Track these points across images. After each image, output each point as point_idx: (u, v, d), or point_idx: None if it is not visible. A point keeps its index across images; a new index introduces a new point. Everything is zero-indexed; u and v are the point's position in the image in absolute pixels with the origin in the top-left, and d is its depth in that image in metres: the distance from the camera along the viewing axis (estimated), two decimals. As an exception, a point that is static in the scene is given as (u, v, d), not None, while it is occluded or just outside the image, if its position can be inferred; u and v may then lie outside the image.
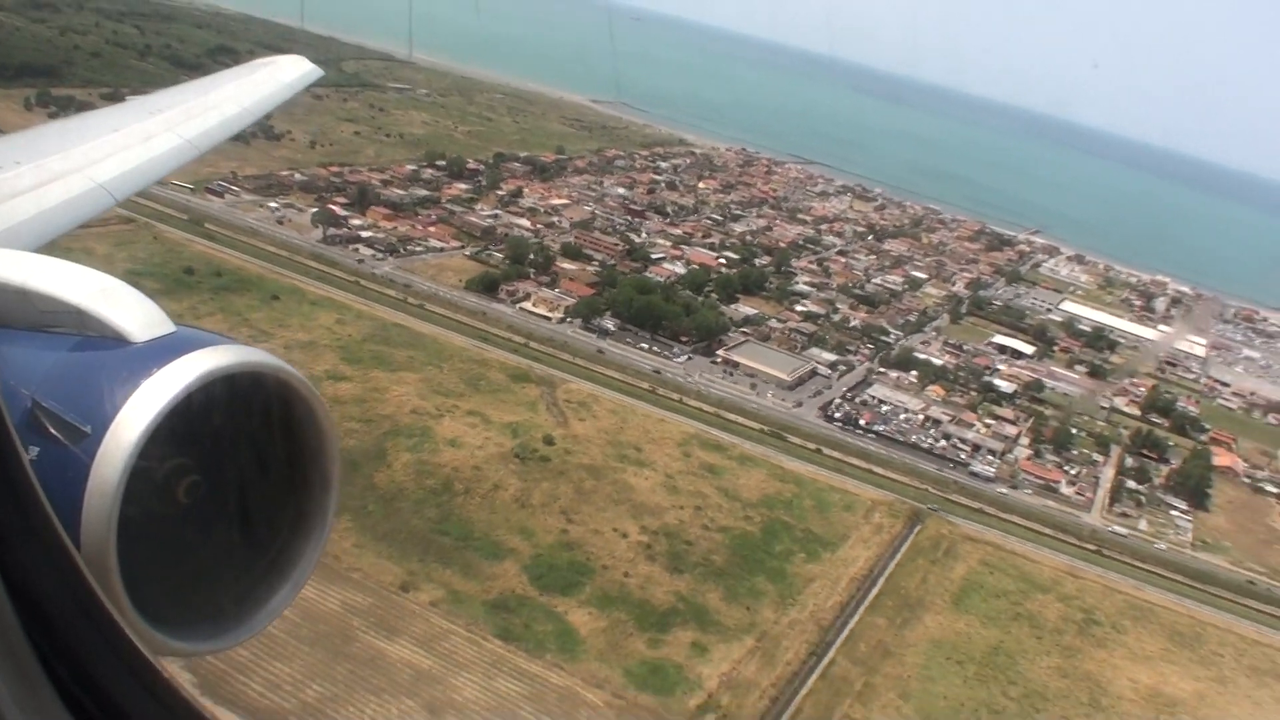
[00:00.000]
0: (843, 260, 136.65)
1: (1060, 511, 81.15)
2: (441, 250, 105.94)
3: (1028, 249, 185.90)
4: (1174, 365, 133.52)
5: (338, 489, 4.17)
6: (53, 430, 3.50)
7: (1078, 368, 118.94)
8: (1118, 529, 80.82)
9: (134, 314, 3.89)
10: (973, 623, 62.15)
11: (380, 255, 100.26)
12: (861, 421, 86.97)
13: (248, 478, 4.06)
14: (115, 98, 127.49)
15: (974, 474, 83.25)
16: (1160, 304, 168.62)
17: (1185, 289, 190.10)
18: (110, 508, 3.39)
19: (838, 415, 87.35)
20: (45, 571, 2.58)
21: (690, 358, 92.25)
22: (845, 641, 57.72)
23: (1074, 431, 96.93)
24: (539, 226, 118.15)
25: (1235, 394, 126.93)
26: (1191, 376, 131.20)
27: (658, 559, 60.16)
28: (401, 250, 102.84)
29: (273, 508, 4.16)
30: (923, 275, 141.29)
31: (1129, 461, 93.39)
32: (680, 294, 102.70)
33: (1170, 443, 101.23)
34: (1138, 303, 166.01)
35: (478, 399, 75.48)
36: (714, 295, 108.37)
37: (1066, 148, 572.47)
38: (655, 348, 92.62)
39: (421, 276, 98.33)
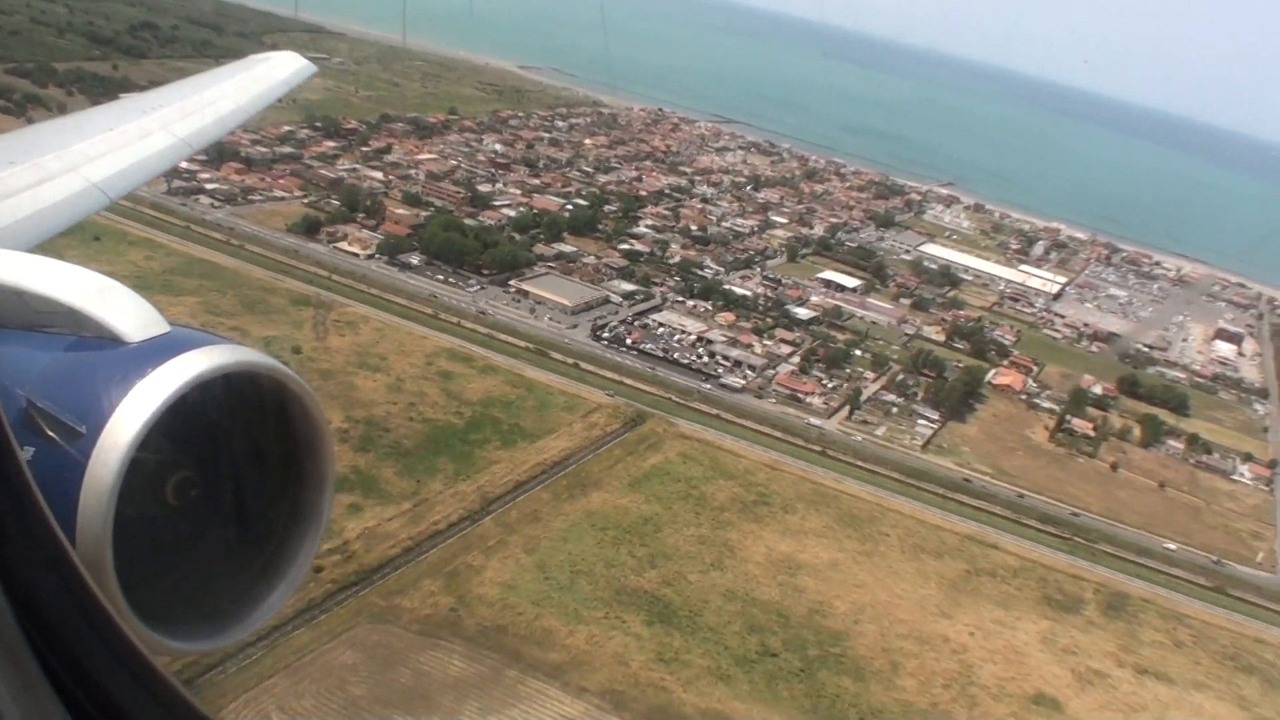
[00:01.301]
0: (700, 207, 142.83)
1: (797, 418, 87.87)
2: (282, 199, 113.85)
3: (919, 198, 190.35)
4: (1016, 300, 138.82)
5: (332, 486, 4.25)
6: (48, 430, 3.48)
7: (902, 301, 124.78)
8: (852, 434, 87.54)
9: (128, 314, 3.90)
10: (638, 500, 69.45)
11: (218, 204, 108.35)
12: (629, 340, 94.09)
13: (243, 476, 4.09)
14: (19, 73, 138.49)
15: (723, 385, 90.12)
16: (1040, 248, 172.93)
17: (1080, 235, 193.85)
18: (106, 508, 3.37)
19: (606, 335, 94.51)
20: (42, 572, 2.56)
21: (483, 288, 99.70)
22: (501, 510, 65.35)
23: (857, 353, 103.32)
24: (391, 178, 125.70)
25: (1067, 325, 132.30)
26: (1031, 310, 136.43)
27: (349, 441, 67.87)
28: (241, 200, 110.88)
29: (268, 506, 4.20)
30: (782, 220, 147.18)
31: (902, 379, 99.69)
32: (492, 233, 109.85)
33: (959, 364, 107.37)
34: (1015, 246, 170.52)
35: (247, 318, 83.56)
36: (540, 235, 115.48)
37: (1036, 109, 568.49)
38: (453, 279, 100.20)
39: (251, 222, 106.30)
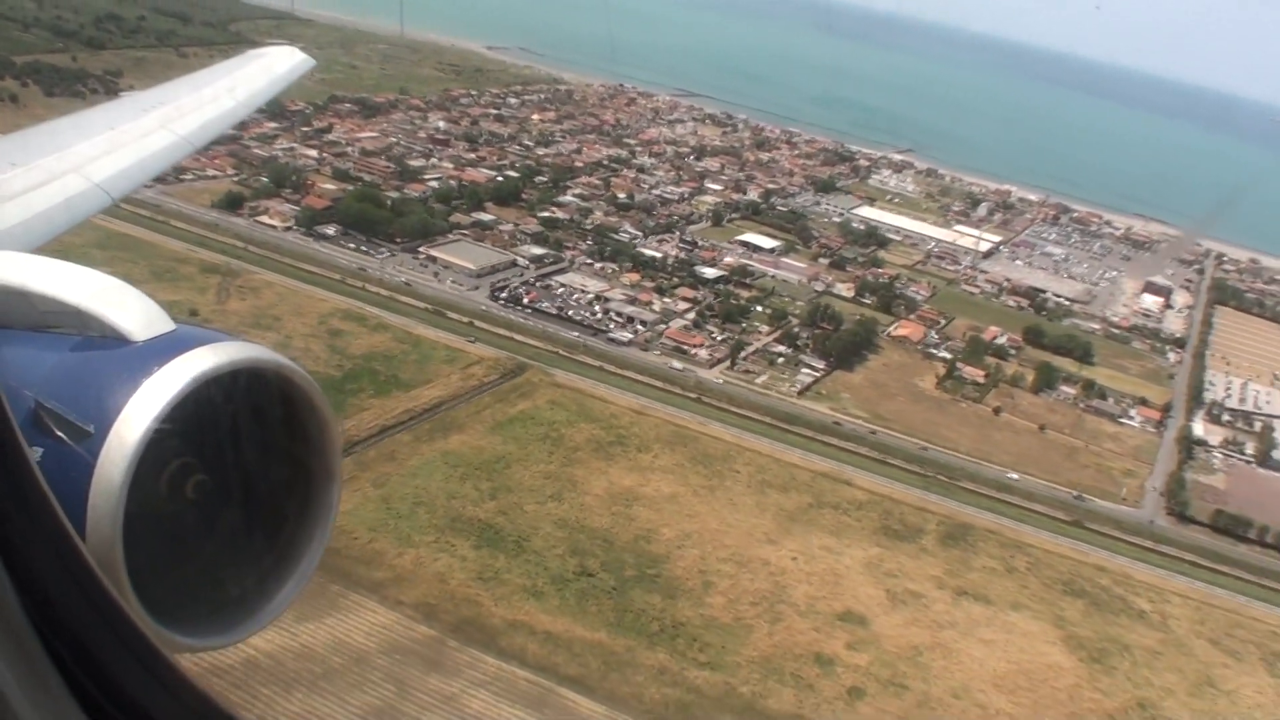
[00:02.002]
0: (633, 176, 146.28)
1: (680, 369, 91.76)
2: (214, 178, 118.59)
3: (868, 164, 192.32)
4: (943, 258, 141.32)
5: (340, 481, 4.28)
6: (56, 430, 3.50)
7: (820, 260, 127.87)
8: (731, 382, 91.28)
9: (134, 313, 3.92)
10: (495, 441, 73.69)
11: (149, 183, 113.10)
12: (525, 300, 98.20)
13: (251, 473, 4.11)
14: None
15: (611, 339, 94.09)
16: (984, 209, 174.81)
17: (1033, 197, 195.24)
18: (115, 507, 3.39)
19: (504, 296, 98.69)
20: (55, 571, 2.57)
21: (393, 255, 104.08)
22: (361, 451, 69.78)
23: (758, 309, 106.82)
24: (326, 156, 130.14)
25: (989, 281, 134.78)
26: (955, 268, 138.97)
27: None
28: (173, 178, 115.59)
29: (276, 502, 4.21)
30: (717, 187, 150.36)
31: (796, 332, 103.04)
32: (410, 204, 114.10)
33: (861, 318, 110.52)
34: (957, 208, 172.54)
35: (154, 285, 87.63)
36: (461, 205, 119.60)
37: (1029, 79, 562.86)
38: (365, 248, 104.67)
39: (179, 199, 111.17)
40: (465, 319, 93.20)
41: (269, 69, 12.31)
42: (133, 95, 10.52)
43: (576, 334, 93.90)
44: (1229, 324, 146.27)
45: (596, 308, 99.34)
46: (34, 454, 3.08)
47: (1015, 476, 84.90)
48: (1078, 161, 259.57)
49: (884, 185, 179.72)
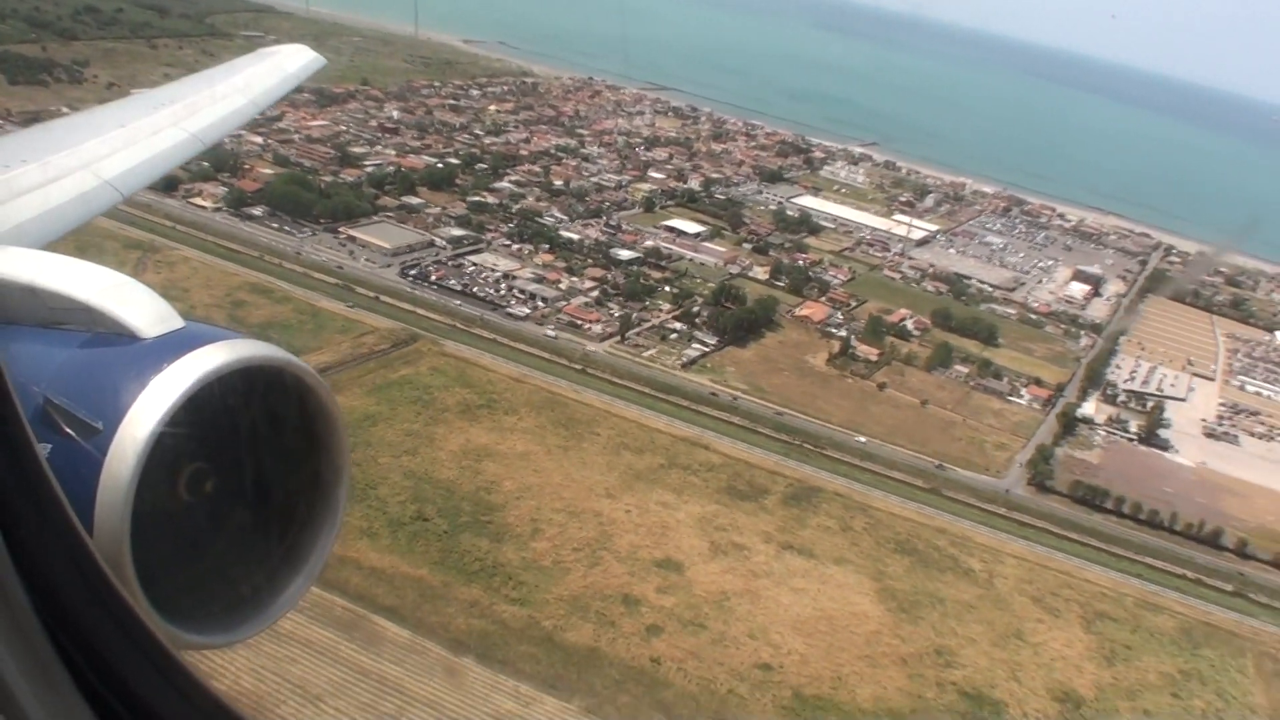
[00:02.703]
0: (575, 164, 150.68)
1: (571, 342, 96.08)
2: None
3: (823, 156, 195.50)
4: (873, 245, 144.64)
5: (349, 480, 4.30)
6: (65, 427, 3.51)
7: (744, 245, 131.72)
8: (619, 355, 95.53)
9: (143, 310, 3.94)
10: (369, 402, 78.27)
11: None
12: (433, 277, 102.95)
13: (259, 471, 4.12)
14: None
15: (509, 314, 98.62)
16: (930, 200, 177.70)
17: (988, 189, 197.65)
18: (123, 504, 3.40)
19: (413, 273, 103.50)
20: (63, 569, 2.57)
21: (315, 234, 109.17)
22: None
23: (666, 289, 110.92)
24: (270, 142, 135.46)
25: (914, 267, 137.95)
26: (883, 255, 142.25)
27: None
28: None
29: (284, 500, 4.22)
30: (660, 175, 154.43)
31: (697, 309, 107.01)
32: (341, 188, 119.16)
33: (767, 297, 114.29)
34: (904, 198, 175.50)
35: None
36: (393, 190, 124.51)
37: (1020, 75, 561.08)
38: (288, 228, 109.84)
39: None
40: (372, 293, 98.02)
41: (280, 67, 12.33)
42: (144, 93, 10.57)
43: (477, 308, 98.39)
44: (1157, 312, 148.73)
45: (502, 285, 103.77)
46: (43, 450, 3.05)
47: (863, 441, 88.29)
48: (1055, 157, 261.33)
49: (834, 177, 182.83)
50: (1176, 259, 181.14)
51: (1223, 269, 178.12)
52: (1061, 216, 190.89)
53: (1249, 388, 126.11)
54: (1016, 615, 69.10)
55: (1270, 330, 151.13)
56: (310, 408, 4.17)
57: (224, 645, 4.08)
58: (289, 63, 12.58)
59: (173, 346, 3.79)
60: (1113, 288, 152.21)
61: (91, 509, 3.42)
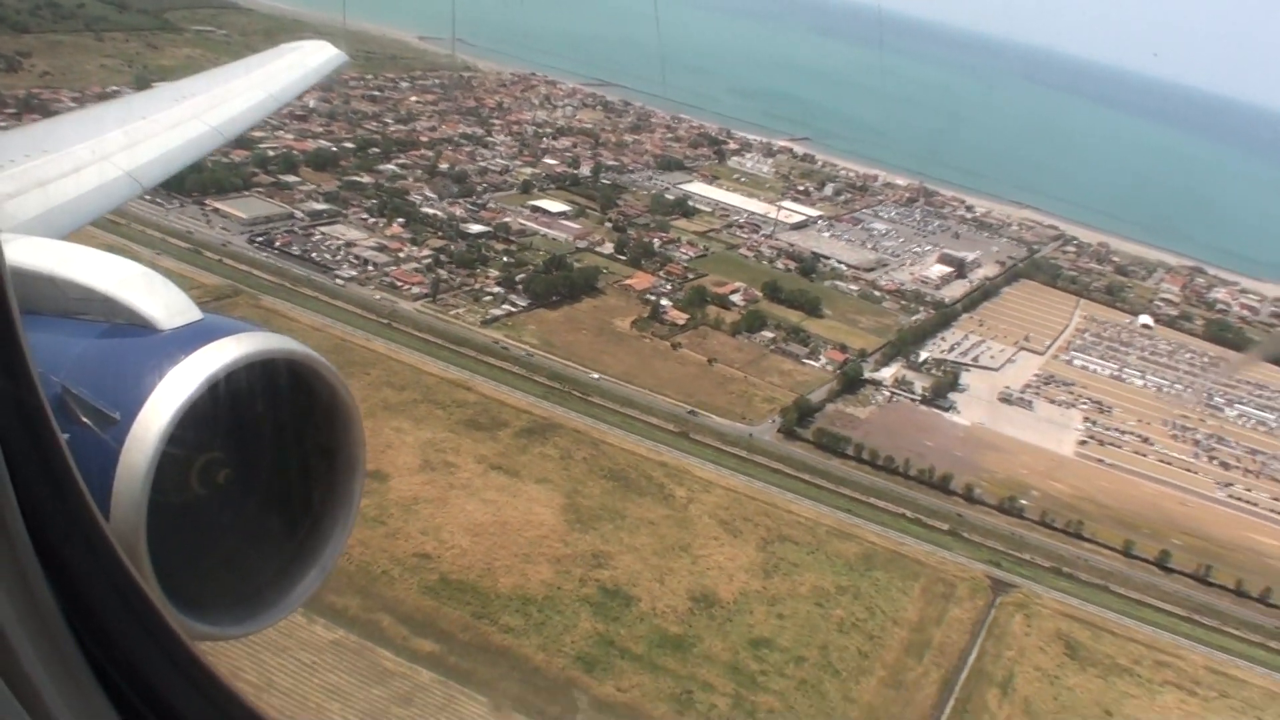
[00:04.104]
0: (469, 149, 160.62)
1: (385, 299, 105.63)
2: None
3: (737, 148, 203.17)
4: (743, 227, 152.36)
5: (364, 472, 4.34)
6: (82, 417, 3.54)
7: (607, 224, 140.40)
8: (426, 312, 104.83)
9: (161, 301, 3.99)
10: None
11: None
12: (277, 244, 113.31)
13: (275, 463, 4.19)
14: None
15: (336, 276, 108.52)
16: (830, 189, 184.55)
17: (900, 181, 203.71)
18: (140, 494, 3.45)
19: (259, 240, 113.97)
20: (83, 559, 2.60)
21: (182, 205, 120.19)
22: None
23: (504, 259, 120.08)
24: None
25: (773, 248, 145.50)
26: (751, 237, 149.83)
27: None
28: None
29: (300, 492, 4.28)
30: (553, 162, 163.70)
31: (522, 276, 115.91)
32: (220, 166, 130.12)
33: (606, 270, 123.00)
34: (801, 187, 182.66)
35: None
36: (273, 169, 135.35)
37: (1006, 76, 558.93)
38: (159, 199, 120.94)
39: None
40: (216, 257, 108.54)
41: (301, 63, 12.54)
42: (166, 86, 10.80)
43: (310, 271, 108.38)
44: (1019, 294, 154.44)
45: (340, 252, 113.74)
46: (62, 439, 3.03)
47: (596, 378, 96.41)
48: (997, 155, 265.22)
49: (740, 167, 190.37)
50: (1072, 249, 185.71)
51: (1115, 257, 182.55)
52: (969, 208, 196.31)
53: (1076, 362, 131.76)
54: (695, 534, 76.87)
55: (1135, 315, 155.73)
56: (326, 401, 4.24)
57: (238, 637, 4.11)
58: (310, 59, 12.88)
59: (190, 338, 3.85)
60: (983, 271, 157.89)
61: (108, 499, 3.44)
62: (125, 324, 4.00)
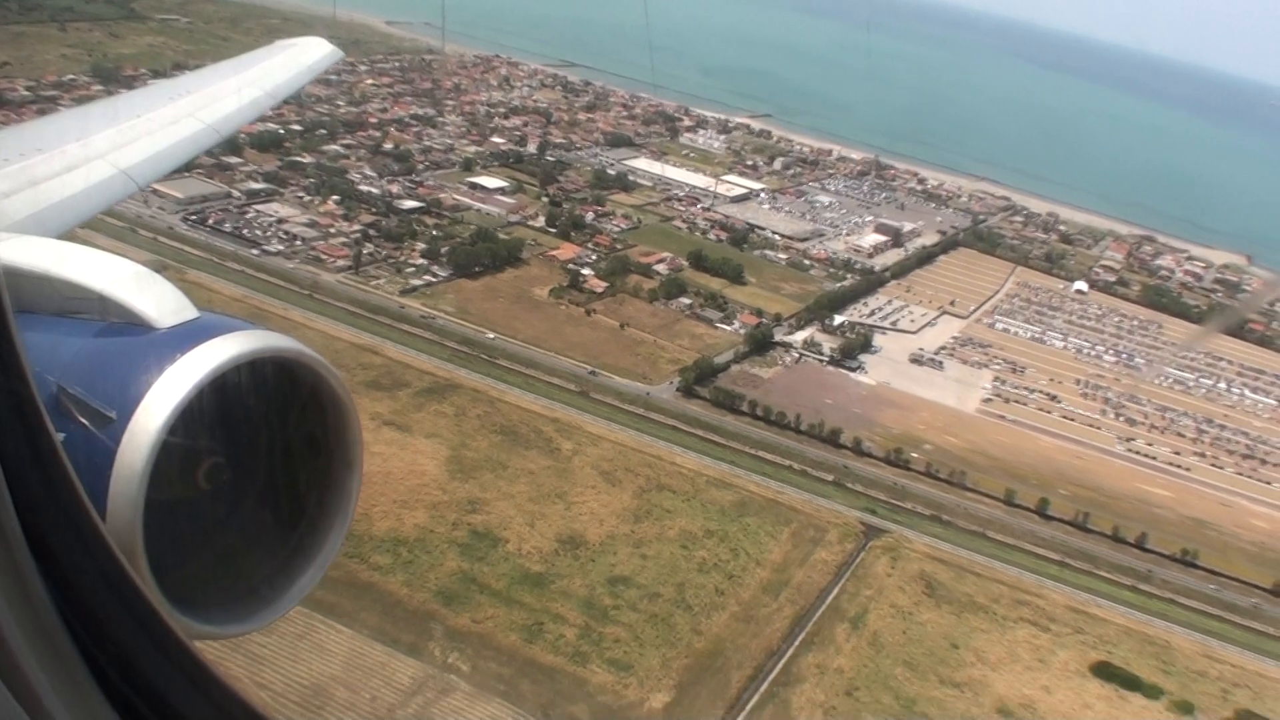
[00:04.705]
0: (415, 129, 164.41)
1: (309, 272, 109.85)
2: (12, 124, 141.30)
3: (691, 125, 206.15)
4: (682, 200, 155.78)
5: (361, 471, 4.34)
6: (79, 416, 3.54)
7: (544, 199, 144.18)
8: (347, 282, 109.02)
9: (157, 300, 4.02)
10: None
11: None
12: (210, 221, 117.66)
13: (272, 461, 4.18)
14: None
15: (264, 251, 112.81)
16: (779, 164, 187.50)
17: (855, 156, 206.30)
18: (136, 493, 3.45)
19: (193, 218, 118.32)
20: (79, 558, 2.60)
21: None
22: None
23: (434, 233, 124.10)
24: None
25: (708, 219, 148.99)
26: (689, 209, 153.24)
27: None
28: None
29: (297, 491, 4.30)
30: (500, 140, 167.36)
31: (450, 249, 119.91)
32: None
33: (534, 241, 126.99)
34: (750, 162, 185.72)
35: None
36: (217, 150, 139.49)
37: (998, 56, 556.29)
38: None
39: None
40: (151, 234, 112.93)
41: (297, 60, 12.62)
42: (161, 83, 10.92)
43: (239, 246, 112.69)
44: (956, 262, 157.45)
45: (272, 229, 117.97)
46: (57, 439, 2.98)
47: (491, 337, 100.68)
48: (964, 128, 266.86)
49: (692, 143, 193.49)
50: (1020, 219, 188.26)
51: (1062, 226, 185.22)
52: (921, 181, 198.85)
53: (999, 326, 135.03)
54: (573, 483, 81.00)
55: (1071, 281, 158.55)
56: (323, 399, 4.27)
57: (236, 635, 4.11)
58: (305, 55, 13.00)
59: (187, 337, 3.86)
60: (921, 240, 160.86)
61: (105, 498, 3.43)
62: (121, 323, 3.98)
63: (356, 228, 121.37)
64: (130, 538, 3.50)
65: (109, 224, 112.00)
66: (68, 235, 6.87)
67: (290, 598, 4.29)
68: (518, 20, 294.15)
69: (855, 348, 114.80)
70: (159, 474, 3.59)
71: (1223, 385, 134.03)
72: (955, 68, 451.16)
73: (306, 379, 4.18)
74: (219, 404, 3.85)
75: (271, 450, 4.29)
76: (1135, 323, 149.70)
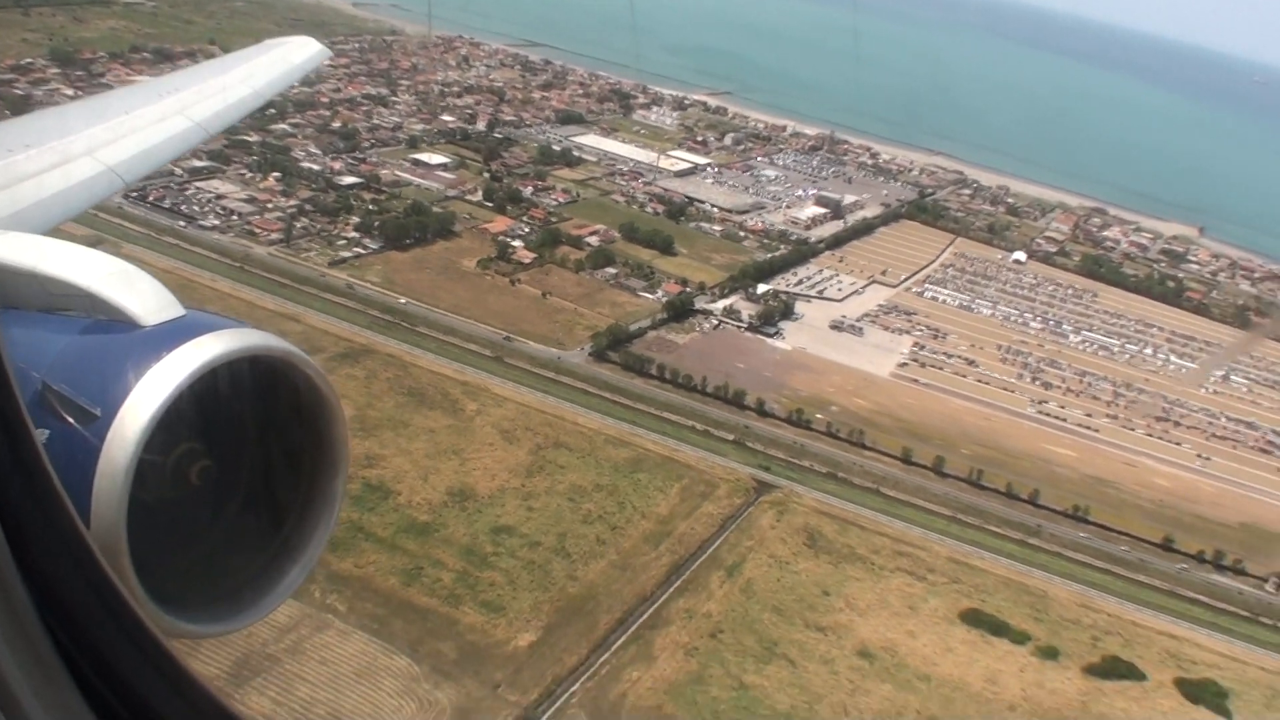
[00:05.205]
0: (365, 108, 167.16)
1: (241, 245, 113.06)
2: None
3: (646, 102, 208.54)
4: (625, 175, 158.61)
5: (346, 469, 4.40)
6: (63, 413, 3.53)
7: (485, 174, 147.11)
8: (278, 255, 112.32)
9: (144, 298, 4.02)
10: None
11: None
12: (150, 198, 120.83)
13: (257, 460, 4.20)
14: None
15: (200, 225, 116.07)
16: (730, 139, 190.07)
17: (809, 131, 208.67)
18: (120, 491, 3.43)
19: (135, 194, 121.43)
20: (59, 555, 2.58)
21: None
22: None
23: (371, 207, 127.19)
24: (79, 91, 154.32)
25: (648, 193, 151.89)
26: (631, 183, 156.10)
27: None
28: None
29: (282, 490, 4.30)
30: (450, 118, 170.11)
31: (380, 222, 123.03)
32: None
33: (469, 216, 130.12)
34: (699, 138, 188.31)
35: None
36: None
37: (985, 35, 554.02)
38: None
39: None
40: (91, 210, 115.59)
41: (285, 58, 12.71)
42: (150, 81, 11.14)
43: (171, 221, 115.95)
44: (896, 233, 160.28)
45: (210, 205, 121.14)
46: (40, 436, 2.98)
47: (403, 302, 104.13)
48: (924, 104, 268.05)
49: (645, 120, 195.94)
50: (968, 192, 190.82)
51: (1011, 199, 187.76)
52: (875, 155, 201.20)
53: (928, 294, 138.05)
54: (471, 441, 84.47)
55: (1010, 252, 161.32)
56: (309, 398, 4.31)
57: (220, 634, 4.12)
58: (294, 54, 13.06)
59: (172, 334, 3.86)
60: (864, 213, 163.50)
61: (89, 495, 3.43)
62: (107, 320, 3.97)
63: (294, 203, 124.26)
64: (114, 534, 3.48)
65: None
66: (53, 232, 6.80)
67: (275, 597, 4.28)
68: (498, 3, 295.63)
69: (775, 315, 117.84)
70: (143, 471, 3.60)
71: (1149, 351, 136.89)
72: (931, 46, 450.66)
73: (293, 378, 4.23)
74: (204, 402, 3.85)
75: (257, 449, 4.30)
76: (1069, 291, 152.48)
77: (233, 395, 3.98)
